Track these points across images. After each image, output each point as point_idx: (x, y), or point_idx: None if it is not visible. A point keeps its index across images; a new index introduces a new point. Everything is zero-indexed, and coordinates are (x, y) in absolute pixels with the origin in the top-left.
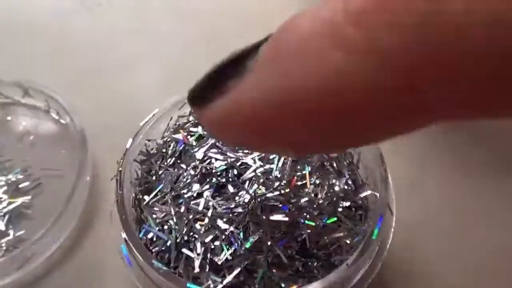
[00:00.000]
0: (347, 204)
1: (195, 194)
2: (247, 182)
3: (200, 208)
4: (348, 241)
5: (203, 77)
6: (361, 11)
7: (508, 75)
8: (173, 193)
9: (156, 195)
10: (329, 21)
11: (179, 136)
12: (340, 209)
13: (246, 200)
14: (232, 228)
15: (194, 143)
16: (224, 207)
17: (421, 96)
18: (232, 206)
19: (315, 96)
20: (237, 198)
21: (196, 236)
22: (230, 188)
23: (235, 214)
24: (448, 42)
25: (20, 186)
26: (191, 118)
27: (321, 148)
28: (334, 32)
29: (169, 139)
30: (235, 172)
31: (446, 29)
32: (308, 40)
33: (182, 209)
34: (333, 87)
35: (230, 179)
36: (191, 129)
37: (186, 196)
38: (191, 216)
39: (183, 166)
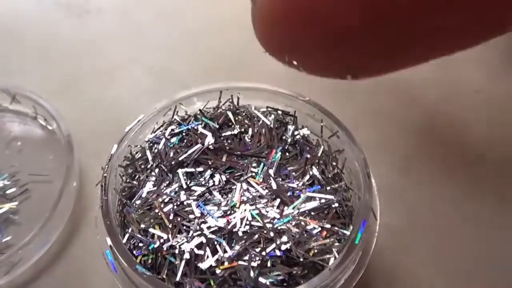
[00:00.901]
0: (333, 206)
1: (180, 201)
2: (234, 189)
3: (186, 213)
4: (332, 247)
5: None
6: None
7: None
8: (156, 198)
9: (140, 200)
10: None
11: (161, 139)
12: (324, 214)
13: (232, 206)
14: (217, 236)
15: (176, 145)
16: (210, 212)
17: None
18: (218, 213)
19: None
20: (223, 204)
21: (180, 241)
22: (216, 195)
23: (220, 220)
24: None
25: (7, 192)
26: (175, 118)
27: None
28: None
29: (151, 143)
30: (223, 178)
31: None
32: None
33: (171, 216)
34: None
35: (217, 186)
36: (174, 130)
37: (170, 201)
38: (175, 222)
39: (165, 169)
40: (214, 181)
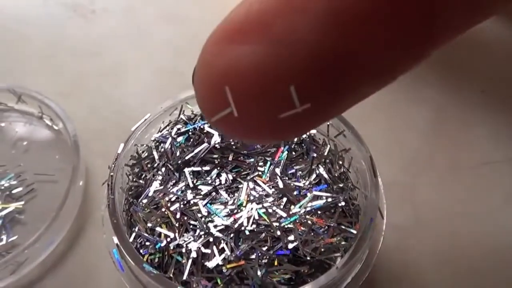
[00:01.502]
0: (340, 205)
1: (187, 200)
2: (241, 188)
3: (193, 212)
4: (339, 246)
5: None
6: None
7: None
8: (163, 197)
9: (147, 199)
10: None
11: (167, 138)
12: (331, 213)
13: (239, 205)
14: (223, 235)
15: (182, 144)
16: (217, 211)
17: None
18: (225, 212)
19: None
20: (230, 203)
21: (187, 240)
22: (223, 194)
23: (227, 219)
24: None
25: (14, 191)
26: (181, 117)
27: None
28: None
29: (158, 142)
30: (229, 176)
31: None
32: None
33: (178, 215)
34: None
35: (223, 184)
36: (181, 129)
37: (177, 200)
38: (182, 221)
39: (172, 168)
40: (220, 180)
